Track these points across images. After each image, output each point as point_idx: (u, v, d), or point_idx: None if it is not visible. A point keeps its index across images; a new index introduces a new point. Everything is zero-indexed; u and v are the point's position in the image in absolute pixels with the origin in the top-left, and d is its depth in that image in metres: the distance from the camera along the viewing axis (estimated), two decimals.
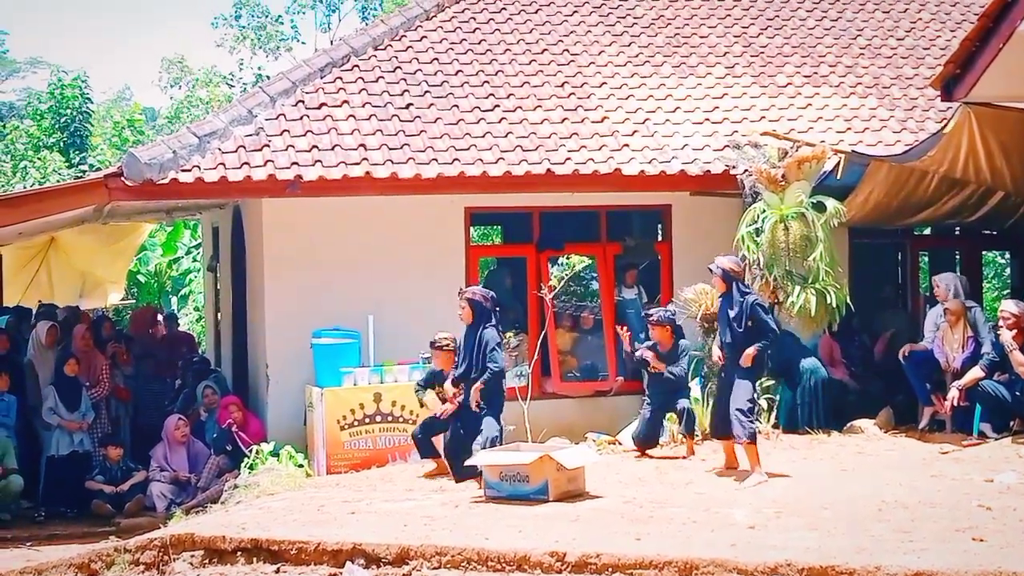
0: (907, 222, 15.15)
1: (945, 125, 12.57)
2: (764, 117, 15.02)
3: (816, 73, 16.05)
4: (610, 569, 7.81)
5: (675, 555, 7.78)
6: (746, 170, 13.68)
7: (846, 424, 13.34)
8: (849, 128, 15.02)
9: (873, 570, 7.37)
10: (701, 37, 16.45)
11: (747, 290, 11.03)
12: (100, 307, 21.16)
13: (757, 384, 11.34)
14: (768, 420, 13.01)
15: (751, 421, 10.78)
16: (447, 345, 11.79)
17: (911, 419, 13.39)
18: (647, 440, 12.28)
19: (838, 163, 13.28)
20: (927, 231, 17.27)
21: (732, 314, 10.86)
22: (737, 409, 10.70)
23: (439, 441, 11.70)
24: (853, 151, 13.61)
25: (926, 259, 18.75)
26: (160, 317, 19.97)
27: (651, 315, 12.42)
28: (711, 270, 11.15)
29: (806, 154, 13.15)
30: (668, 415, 12.48)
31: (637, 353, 12.24)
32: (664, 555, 7.80)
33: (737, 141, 14.29)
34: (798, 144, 13.54)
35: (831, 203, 13.02)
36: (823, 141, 14.02)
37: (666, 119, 14.80)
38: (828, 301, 12.89)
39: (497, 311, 11.31)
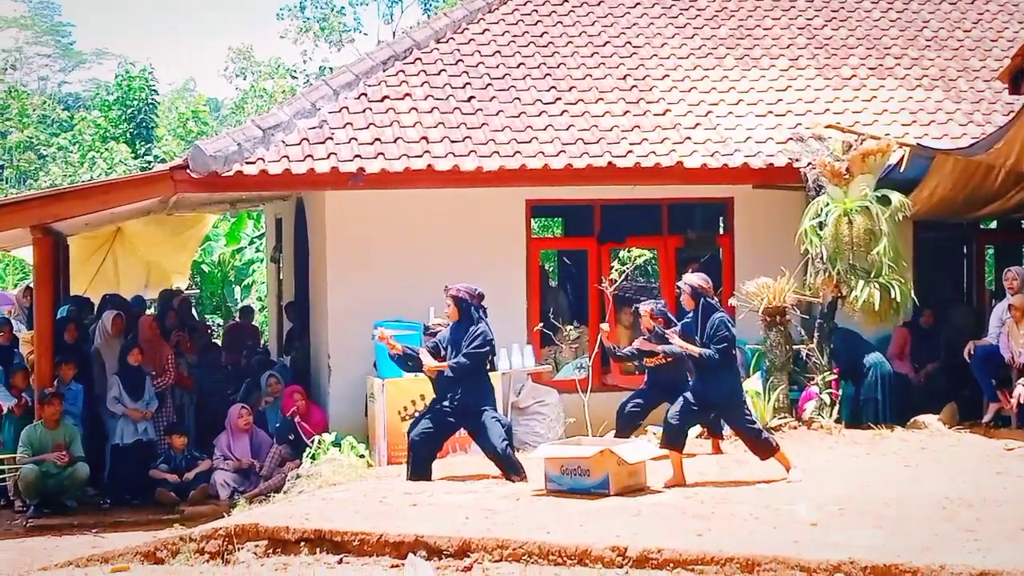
0: (973, 216, 14.99)
1: (1013, 119, 12.42)
2: (828, 110, 14.92)
3: (881, 65, 15.91)
4: (671, 564, 7.79)
5: (737, 552, 7.75)
6: (809, 163, 13.61)
7: (909, 419, 13.24)
8: (915, 121, 14.88)
9: (937, 569, 7.29)
10: (765, 29, 16.35)
11: (715, 307, 10.60)
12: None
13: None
14: (831, 415, 12.93)
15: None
16: (440, 331, 11.62)
17: (976, 414, 13.26)
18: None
19: (903, 156, 13.15)
20: (993, 224, 17.07)
21: (701, 331, 10.49)
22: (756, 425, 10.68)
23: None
24: (918, 144, 13.49)
25: (991, 253, 18.54)
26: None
27: (637, 306, 12.21)
28: (679, 287, 10.96)
29: (871, 147, 13.04)
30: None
31: (633, 345, 12.06)
32: (726, 551, 7.76)
33: (800, 134, 14.22)
34: (862, 137, 13.44)
35: (896, 196, 12.91)
36: (888, 134, 13.90)
37: (729, 112, 14.74)
38: (892, 295, 12.79)
39: (483, 308, 11.24)
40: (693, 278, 10.78)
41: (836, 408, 13.04)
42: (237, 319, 20.63)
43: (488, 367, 11.45)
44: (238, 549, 8.96)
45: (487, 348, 11.10)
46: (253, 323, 21.05)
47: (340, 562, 8.54)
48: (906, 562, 7.40)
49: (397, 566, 8.31)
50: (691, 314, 10.71)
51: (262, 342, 21.16)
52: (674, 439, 10.45)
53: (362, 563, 8.46)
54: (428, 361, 11.09)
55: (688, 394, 10.58)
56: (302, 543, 8.83)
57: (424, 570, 8.13)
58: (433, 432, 11.12)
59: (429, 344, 11.40)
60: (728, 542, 8.00)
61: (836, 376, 13.22)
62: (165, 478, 13.80)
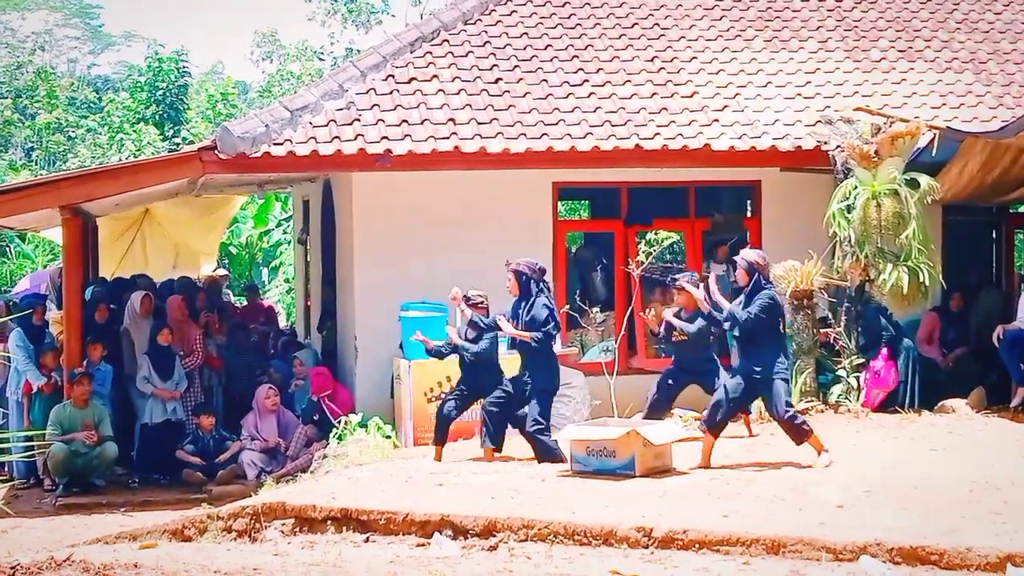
0: (1002, 200, 14.90)
1: None
2: (857, 92, 14.84)
3: (911, 47, 15.81)
4: (697, 545, 7.80)
5: (762, 533, 7.75)
6: (838, 146, 13.53)
7: (937, 403, 13.19)
8: (944, 104, 14.80)
9: (964, 551, 7.28)
10: (794, 11, 16.25)
11: (767, 285, 10.48)
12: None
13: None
14: (858, 399, 12.89)
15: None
16: (480, 302, 11.67)
17: (1004, 399, 13.20)
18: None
19: (932, 139, 13.08)
20: (1022, 209, 16.96)
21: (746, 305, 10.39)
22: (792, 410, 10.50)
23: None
24: (948, 127, 13.40)
25: (1021, 237, 18.42)
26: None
27: (676, 279, 12.15)
28: (735, 262, 10.89)
29: (900, 130, 12.97)
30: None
31: (662, 325, 12.08)
32: (752, 532, 7.76)
33: (829, 116, 14.13)
34: (891, 120, 13.37)
35: (924, 180, 12.84)
36: (917, 117, 13.82)
37: (757, 94, 14.68)
38: (920, 279, 12.73)
39: (545, 283, 11.22)
40: (751, 254, 10.70)
41: (864, 392, 12.97)
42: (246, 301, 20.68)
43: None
44: (265, 527, 9.02)
45: (555, 321, 11.14)
46: (260, 300, 21.04)
47: (366, 540, 8.58)
48: (932, 544, 7.39)
49: (423, 545, 8.34)
50: (744, 289, 10.66)
51: (288, 323, 21.25)
52: (715, 424, 10.42)
53: (388, 542, 8.51)
54: (508, 328, 11.00)
55: (734, 379, 10.52)
56: (328, 521, 8.88)
57: (450, 549, 8.16)
58: (506, 402, 11.11)
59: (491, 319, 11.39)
60: (754, 523, 8.00)
61: (884, 351, 13.11)
62: (190, 461, 13.86)
